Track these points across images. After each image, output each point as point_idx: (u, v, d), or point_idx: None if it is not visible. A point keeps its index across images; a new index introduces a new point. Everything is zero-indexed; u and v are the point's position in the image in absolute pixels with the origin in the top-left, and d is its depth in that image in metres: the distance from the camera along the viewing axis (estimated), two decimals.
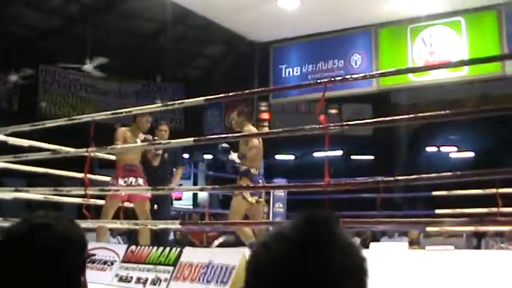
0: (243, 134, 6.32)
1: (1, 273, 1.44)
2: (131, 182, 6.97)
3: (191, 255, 4.27)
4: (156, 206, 7.88)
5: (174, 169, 8.28)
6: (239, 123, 6.87)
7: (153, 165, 7.42)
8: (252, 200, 6.57)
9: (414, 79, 10.84)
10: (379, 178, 4.36)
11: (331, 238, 1.09)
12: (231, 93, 5.19)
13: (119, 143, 6.90)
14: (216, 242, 10.72)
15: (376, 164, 20.85)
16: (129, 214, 7.21)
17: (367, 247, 10.22)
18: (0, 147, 7.11)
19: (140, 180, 7.06)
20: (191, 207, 17.29)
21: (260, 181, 6.70)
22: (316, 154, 20.47)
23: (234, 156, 6.68)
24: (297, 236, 1.08)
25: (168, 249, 4.48)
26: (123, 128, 7.14)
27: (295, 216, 1.13)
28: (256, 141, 6.71)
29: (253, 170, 6.63)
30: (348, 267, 1.08)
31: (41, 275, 1.42)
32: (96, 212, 7.27)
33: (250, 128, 6.76)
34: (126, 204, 7.19)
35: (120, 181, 6.94)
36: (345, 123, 4.81)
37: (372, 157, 21.89)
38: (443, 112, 4.02)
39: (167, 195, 7.89)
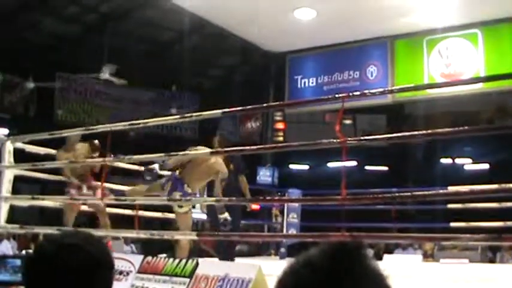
0: (265, 146, 6.32)
1: None
2: (81, 190, 7.48)
3: (207, 267, 4.27)
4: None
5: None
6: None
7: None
8: (179, 210, 6.61)
9: (430, 91, 10.82)
10: (396, 192, 4.35)
11: (360, 267, 1.10)
12: (248, 107, 5.20)
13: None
14: None
15: (391, 175, 20.79)
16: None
17: (381, 259, 10.21)
18: (18, 154, 7.16)
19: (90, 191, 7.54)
20: (205, 216, 17.26)
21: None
22: (330, 164, 20.47)
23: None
24: (326, 264, 1.09)
25: (184, 261, 4.49)
26: (60, 152, 7.56)
27: (323, 244, 1.14)
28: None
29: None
30: None
31: None
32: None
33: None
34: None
35: (72, 190, 7.42)
36: (362, 138, 4.79)
37: (386, 168, 21.84)
38: (460, 128, 4.01)
39: (235, 206, 7.56)
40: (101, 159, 6.42)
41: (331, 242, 1.14)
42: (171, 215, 9.40)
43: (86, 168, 7.58)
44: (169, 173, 6.93)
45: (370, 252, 12.87)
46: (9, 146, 6.89)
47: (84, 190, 7.52)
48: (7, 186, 6.80)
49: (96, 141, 7.57)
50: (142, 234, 5.97)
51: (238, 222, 7.70)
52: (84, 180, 7.56)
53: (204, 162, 6.72)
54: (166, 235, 6.37)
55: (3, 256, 7.58)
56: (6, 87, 17.57)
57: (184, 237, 5.93)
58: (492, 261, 11.24)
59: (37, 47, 17.18)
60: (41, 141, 7.27)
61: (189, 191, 6.66)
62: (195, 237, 5.68)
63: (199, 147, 6.65)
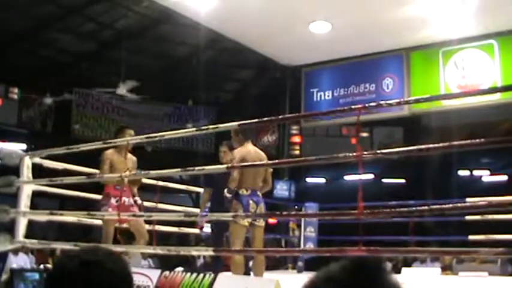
0: (281, 161, 6.31)
1: None
2: (124, 202, 6.91)
3: (225, 282, 4.27)
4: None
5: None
6: (235, 142, 6.73)
7: (222, 189, 6.74)
8: (244, 222, 6.20)
9: (446, 103, 10.76)
10: (413, 205, 4.33)
11: (380, 283, 1.10)
12: (264, 119, 5.20)
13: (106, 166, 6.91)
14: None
15: (408, 187, 20.68)
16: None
17: (399, 272, 10.13)
18: (36, 170, 7.21)
19: (131, 200, 7.05)
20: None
21: (251, 201, 6.27)
22: (347, 177, 20.40)
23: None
24: (347, 280, 1.10)
25: (201, 275, 4.49)
26: (110, 150, 7.06)
27: (343, 260, 1.15)
28: (240, 159, 6.34)
29: (241, 191, 6.31)
30: None
31: None
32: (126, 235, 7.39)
33: (236, 152, 6.52)
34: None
35: (112, 200, 6.91)
36: (378, 152, 4.77)
37: (403, 180, 21.73)
38: (476, 141, 3.99)
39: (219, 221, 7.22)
40: (116, 174, 6.43)
41: (351, 258, 1.15)
42: (188, 230, 9.45)
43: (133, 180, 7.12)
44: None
45: (389, 265, 12.79)
46: (27, 161, 6.95)
47: (136, 201, 7.11)
48: (25, 201, 6.85)
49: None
50: (159, 250, 5.97)
51: (218, 235, 7.47)
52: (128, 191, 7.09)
53: (257, 159, 6.48)
54: (183, 251, 6.36)
55: (22, 269, 7.62)
56: (25, 103, 17.77)
57: (198, 252, 5.92)
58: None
59: (54, 64, 17.37)
60: (59, 156, 7.30)
61: (260, 195, 6.48)
62: (211, 253, 5.68)
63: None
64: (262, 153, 6.70)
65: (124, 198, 6.91)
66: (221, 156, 7.59)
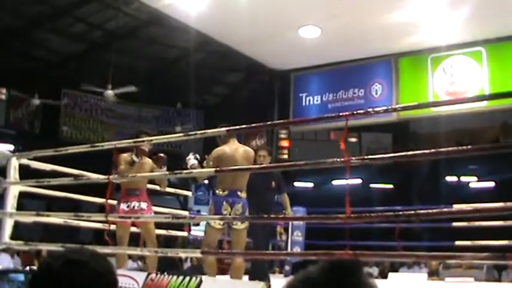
0: (270, 165, 6.31)
1: None
2: (133, 207, 6.88)
3: (211, 285, 4.27)
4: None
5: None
6: (218, 140, 6.53)
7: (259, 193, 6.68)
8: (216, 225, 5.99)
9: (434, 109, 10.80)
10: (400, 211, 4.34)
11: (356, 283, 1.11)
12: (253, 125, 5.21)
13: (122, 167, 6.84)
14: None
15: (396, 193, 20.75)
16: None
17: (386, 277, 10.16)
18: (23, 171, 7.18)
19: (143, 205, 6.95)
20: None
21: (224, 203, 5.98)
22: (335, 182, 20.45)
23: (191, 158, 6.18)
24: (324, 280, 1.11)
25: (187, 278, 4.48)
26: (125, 154, 6.99)
27: (322, 262, 1.16)
28: (215, 159, 6.15)
29: (218, 191, 6.08)
30: None
31: None
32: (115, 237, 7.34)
33: (214, 151, 6.33)
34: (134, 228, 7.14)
35: (123, 205, 6.88)
36: (366, 157, 4.79)
37: (391, 186, 21.80)
38: (464, 148, 4.02)
39: (265, 225, 7.31)
40: (104, 176, 6.42)
41: (330, 260, 1.16)
42: (176, 233, 9.43)
43: (142, 181, 7.06)
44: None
45: (375, 270, 12.82)
46: (14, 162, 6.93)
47: (142, 205, 6.96)
48: (12, 202, 6.83)
49: (163, 154, 7.08)
50: (147, 252, 5.96)
51: (263, 241, 7.30)
52: (138, 195, 7.00)
53: (238, 157, 6.20)
54: (170, 252, 6.35)
55: (6, 270, 7.56)
56: (12, 103, 17.69)
57: (186, 254, 5.91)
58: (498, 280, 11.15)
59: (43, 64, 17.30)
60: (46, 158, 7.27)
61: (244, 195, 6.14)
62: (199, 255, 5.67)
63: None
64: (245, 151, 6.37)
65: (134, 203, 6.89)
66: (260, 160, 7.27)
